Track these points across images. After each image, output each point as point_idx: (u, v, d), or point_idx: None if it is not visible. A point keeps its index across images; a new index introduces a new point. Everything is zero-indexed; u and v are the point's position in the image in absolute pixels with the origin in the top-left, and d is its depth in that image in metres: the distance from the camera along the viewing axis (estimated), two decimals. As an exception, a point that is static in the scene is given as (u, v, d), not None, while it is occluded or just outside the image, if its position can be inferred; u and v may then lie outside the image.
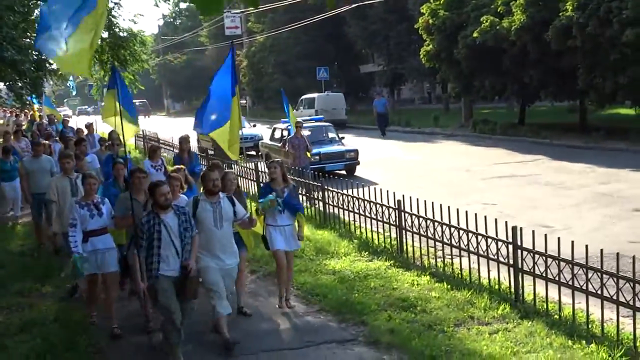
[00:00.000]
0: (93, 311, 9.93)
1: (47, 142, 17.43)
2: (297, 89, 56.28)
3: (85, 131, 22.98)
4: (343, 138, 26.30)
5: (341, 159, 23.62)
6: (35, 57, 31.19)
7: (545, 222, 14.47)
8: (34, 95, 32.91)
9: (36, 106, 38.94)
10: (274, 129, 26.54)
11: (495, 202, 17.34)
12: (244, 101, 75.65)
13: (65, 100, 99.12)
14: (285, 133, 23.44)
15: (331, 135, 25.37)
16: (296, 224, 10.20)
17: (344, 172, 23.57)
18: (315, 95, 48.00)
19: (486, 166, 24.11)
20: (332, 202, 14.90)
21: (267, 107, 71.05)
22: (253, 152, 30.23)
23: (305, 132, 20.71)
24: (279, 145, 23.96)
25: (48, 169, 14.29)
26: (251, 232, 10.01)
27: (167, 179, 9.19)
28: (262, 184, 14.79)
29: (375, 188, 13.84)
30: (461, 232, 10.69)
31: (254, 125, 37.16)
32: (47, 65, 32.96)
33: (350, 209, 14.12)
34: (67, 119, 36.18)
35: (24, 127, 31.29)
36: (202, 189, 9.05)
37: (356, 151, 24.05)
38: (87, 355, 8.74)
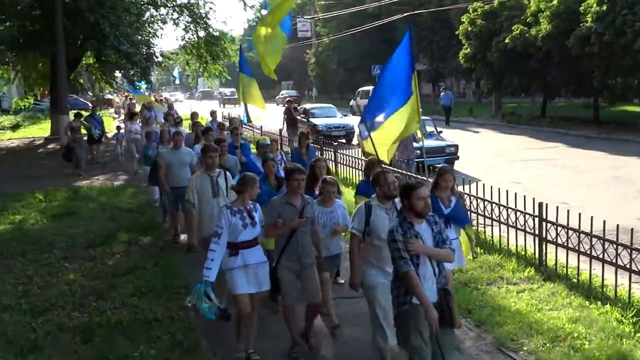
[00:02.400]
0: (249, 348, 6.67)
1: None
2: (356, 82, 55.91)
3: (208, 118, 20.12)
4: (441, 132, 21.65)
5: (441, 153, 18.96)
6: (145, 51, 31.79)
7: (564, 199, 13.97)
8: (143, 81, 33.34)
9: (147, 92, 39.06)
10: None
11: (520, 181, 16.85)
12: (312, 92, 75.59)
13: (163, 88, 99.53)
14: None
15: (429, 129, 20.63)
16: (465, 238, 7.41)
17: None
18: (370, 87, 47.32)
19: (513, 151, 23.51)
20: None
21: (331, 97, 70.74)
22: (343, 140, 25.20)
23: None
24: None
25: (187, 162, 11.13)
26: None
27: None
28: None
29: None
30: (493, 205, 10.34)
31: (345, 115, 33.48)
32: (154, 58, 33.57)
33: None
34: (170, 105, 33.33)
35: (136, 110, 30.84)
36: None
37: (456, 146, 19.49)
38: (180, 295, 8.70)
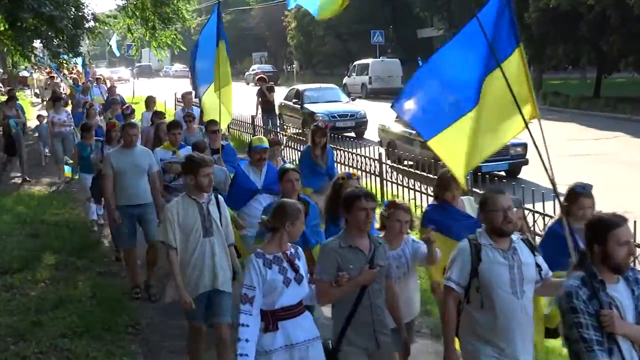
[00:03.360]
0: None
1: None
2: (350, 54, 56.16)
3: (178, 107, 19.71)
4: None
5: (505, 156, 17.18)
6: (73, 14, 31.56)
7: (625, 205, 14.05)
8: (71, 54, 33.14)
9: (79, 67, 38.85)
10: None
11: (568, 182, 16.91)
12: (291, 66, 75.67)
13: (94, 63, 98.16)
14: None
15: None
16: None
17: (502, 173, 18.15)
18: (369, 61, 47.67)
19: (558, 143, 23.61)
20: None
21: (316, 72, 70.93)
22: (352, 134, 25.71)
23: None
24: (411, 131, 17.50)
25: (145, 168, 10.28)
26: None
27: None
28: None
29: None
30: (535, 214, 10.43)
31: (353, 100, 31.82)
32: (85, 22, 33.39)
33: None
34: (114, 85, 32.13)
35: (64, 93, 29.96)
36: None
37: (524, 145, 17.51)
38: (127, 336, 8.68)
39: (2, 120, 20.15)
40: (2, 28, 34.41)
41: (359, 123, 26.63)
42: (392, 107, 6.79)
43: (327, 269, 5.65)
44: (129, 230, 10.31)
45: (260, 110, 24.30)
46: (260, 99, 24.36)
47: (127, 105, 18.31)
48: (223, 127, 12.61)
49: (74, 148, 15.50)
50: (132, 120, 13.53)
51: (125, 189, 10.16)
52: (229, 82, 11.97)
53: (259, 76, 28.10)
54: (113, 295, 10.10)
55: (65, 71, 37.66)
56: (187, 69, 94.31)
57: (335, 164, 12.44)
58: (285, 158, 14.28)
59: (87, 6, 35.46)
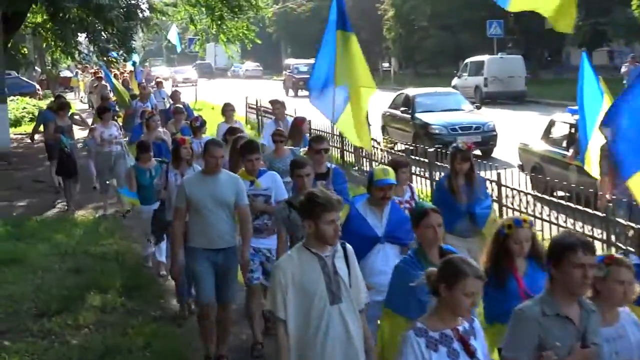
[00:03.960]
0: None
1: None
2: (460, 49, 55.84)
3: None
4: None
5: None
6: (125, 3, 31.82)
7: None
8: (122, 51, 33.31)
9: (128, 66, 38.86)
10: (552, 123, 19.16)
11: None
12: (387, 64, 75.59)
13: (147, 62, 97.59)
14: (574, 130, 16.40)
15: None
16: None
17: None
18: (484, 58, 47.11)
19: None
20: None
21: (418, 72, 70.66)
22: (478, 152, 23.25)
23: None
24: (565, 152, 17.20)
25: (229, 200, 9.49)
26: None
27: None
28: None
29: None
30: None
31: (478, 107, 30.07)
32: (139, 13, 33.61)
33: None
34: (177, 89, 30.26)
35: (111, 99, 28.51)
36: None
37: None
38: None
39: (52, 133, 19.59)
40: (42, 19, 35.25)
41: (487, 138, 25.26)
42: (601, 126, 6.69)
43: (524, 345, 5.21)
44: (207, 279, 9.46)
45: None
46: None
47: (195, 116, 17.41)
48: (362, 144, 12.06)
49: (129, 172, 14.28)
50: (214, 137, 12.54)
51: (204, 227, 9.41)
52: (361, 82, 10.84)
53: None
54: (171, 346, 10.09)
55: (116, 71, 37.85)
56: (261, 68, 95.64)
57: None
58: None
59: (141, -7, 35.53)
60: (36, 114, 39.72)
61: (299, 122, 14.74)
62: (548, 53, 67.38)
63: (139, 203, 13.45)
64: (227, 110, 17.27)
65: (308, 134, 15.82)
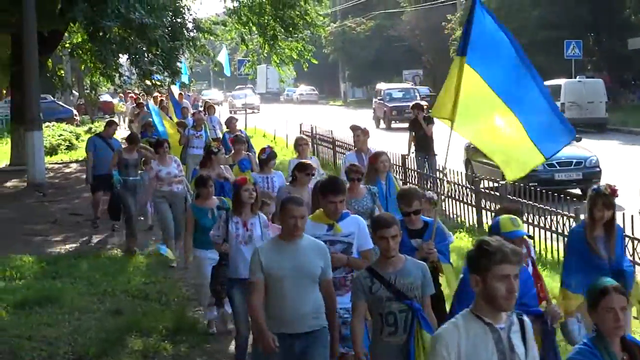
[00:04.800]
0: None
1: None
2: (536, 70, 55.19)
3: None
4: None
5: None
6: (170, 21, 31.80)
7: None
8: (166, 74, 33.29)
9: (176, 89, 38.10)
10: None
11: None
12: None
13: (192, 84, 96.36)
14: None
15: None
16: None
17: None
18: (561, 81, 46.66)
19: None
20: None
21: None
22: (576, 190, 23.61)
23: None
24: None
25: (316, 271, 8.34)
26: None
27: None
28: None
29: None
30: None
31: (578, 139, 26.04)
32: (185, 32, 33.63)
33: None
34: (233, 116, 27.48)
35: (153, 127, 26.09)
36: None
37: None
38: None
39: (114, 165, 18.81)
40: (80, 40, 35.55)
41: (589, 175, 23.89)
42: None
43: None
44: None
45: (413, 147, 24.09)
46: (413, 133, 24.16)
47: (265, 147, 15.41)
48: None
49: (186, 214, 14.04)
50: (294, 196, 9.28)
51: (282, 305, 8.28)
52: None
53: (414, 102, 27.77)
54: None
55: (159, 95, 37.70)
56: (316, 92, 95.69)
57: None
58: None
59: (188, 10, 35.59)
60: (72, 141, 40.43)
61: (372, 159, 13.51)
62: (631, 76, 66.64)
63: (172, 256, 13.58)
64: (300, 144, 16.25)
65: (394, 177, 14.45)
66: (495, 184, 20.00)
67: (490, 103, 9.53)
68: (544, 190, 16.96)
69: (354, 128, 16.58)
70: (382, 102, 57.05)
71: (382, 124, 55.69)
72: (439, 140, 21.11)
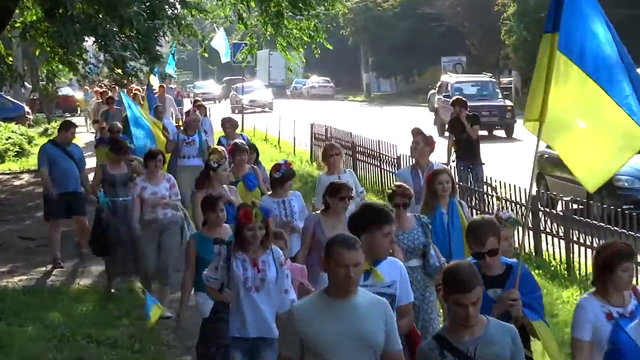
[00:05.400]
0: None
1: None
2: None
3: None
4: None
5: None
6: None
7: None
8: (142, 61, 33.35)
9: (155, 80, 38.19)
10: None
11: None
12: (507, 79, 75.29)
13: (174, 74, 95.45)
14: None
15: None
16: None
17: None
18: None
19: None
20: None
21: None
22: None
23: None
24: None
25: (376, 337, 7.56)
26: None
27: None
28: None
29: None
30: None
31: None
32: (167, 9, 33.71)
33: None
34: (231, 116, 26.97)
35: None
36: None
37: None
38: None
39: (97, 185, 18.52)
40: (35, 18, 35.64)
41: None
42: None
43: None
44: None
45: (454, 156, 23.85)
46: (454, 136, 23.86)
47: (280, 162, 15.00)
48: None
49: (187, 247, 13.14)
50: (345, 235, 8.13)
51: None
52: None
53: (454, 97, 27.47)
54: None
55: (136, 88, 37.78)
56: (332, 84, 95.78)
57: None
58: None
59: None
60: (24, 146, 40.63)
61: (429, 179, 12.89)
62: None
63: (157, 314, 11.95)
64: (331, 155, 15.81)
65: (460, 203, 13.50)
66: (574, 205, 19.42)
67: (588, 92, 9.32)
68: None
69: (416, 132, 16.03)
70: (447, 99, 47.81)
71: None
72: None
